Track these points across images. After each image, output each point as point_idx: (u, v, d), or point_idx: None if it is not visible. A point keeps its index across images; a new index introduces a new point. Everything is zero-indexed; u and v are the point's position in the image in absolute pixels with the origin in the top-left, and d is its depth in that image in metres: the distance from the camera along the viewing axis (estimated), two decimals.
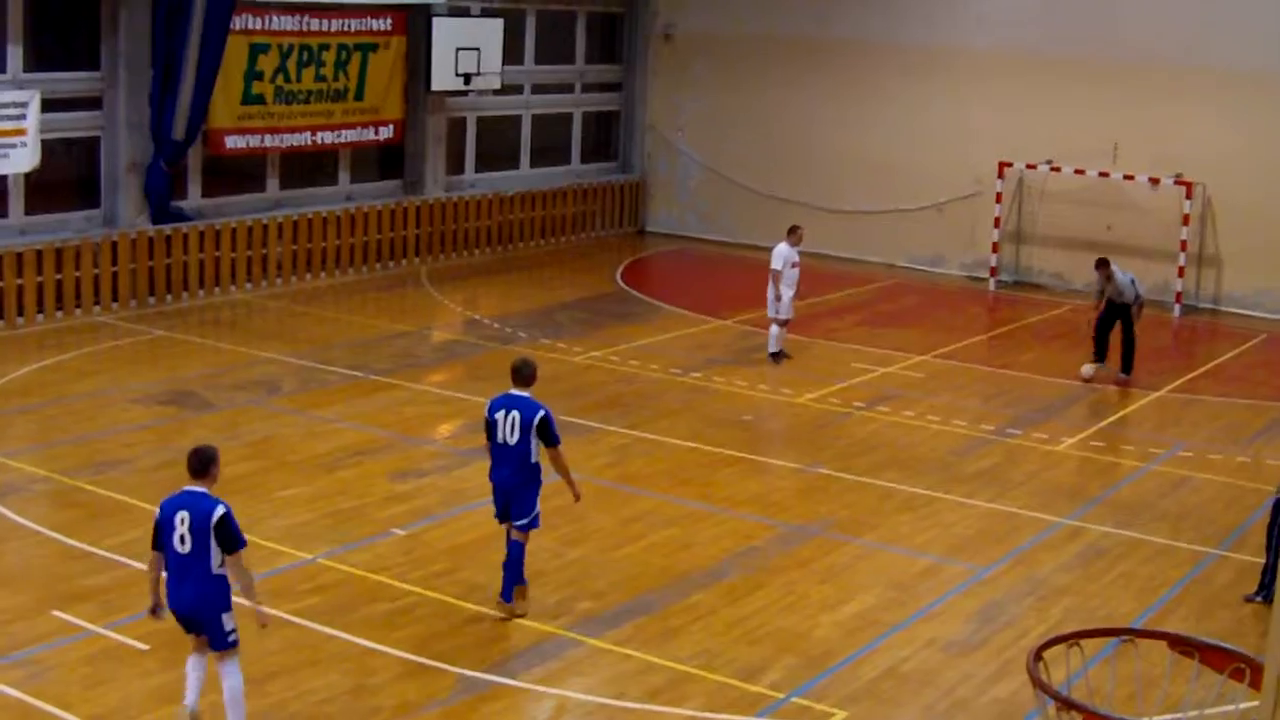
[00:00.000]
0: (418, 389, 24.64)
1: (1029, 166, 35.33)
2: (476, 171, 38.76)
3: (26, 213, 29.65)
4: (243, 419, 22.89)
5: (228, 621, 12.84)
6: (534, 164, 40.39)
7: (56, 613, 15.62)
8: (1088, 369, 26.98)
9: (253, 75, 32.70)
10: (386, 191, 36.40)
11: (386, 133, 35.82)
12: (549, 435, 15.84)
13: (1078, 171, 34.58)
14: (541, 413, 15.89)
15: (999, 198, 35.70)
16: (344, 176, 35.75)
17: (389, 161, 36.83)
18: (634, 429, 23.11)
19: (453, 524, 18.79)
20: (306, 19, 33.59)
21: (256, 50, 32.69)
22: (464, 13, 37.28)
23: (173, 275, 30.75)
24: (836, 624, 16.28)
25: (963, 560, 18.42)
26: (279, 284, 32.56)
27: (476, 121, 38.60)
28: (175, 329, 28.29)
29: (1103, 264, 27.05)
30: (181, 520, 12.67)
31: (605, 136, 42.68)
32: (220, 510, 12.74)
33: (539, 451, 15.95)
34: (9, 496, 19.08)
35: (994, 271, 36.01)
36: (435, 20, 35.75)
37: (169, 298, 30.57)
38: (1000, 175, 35.54)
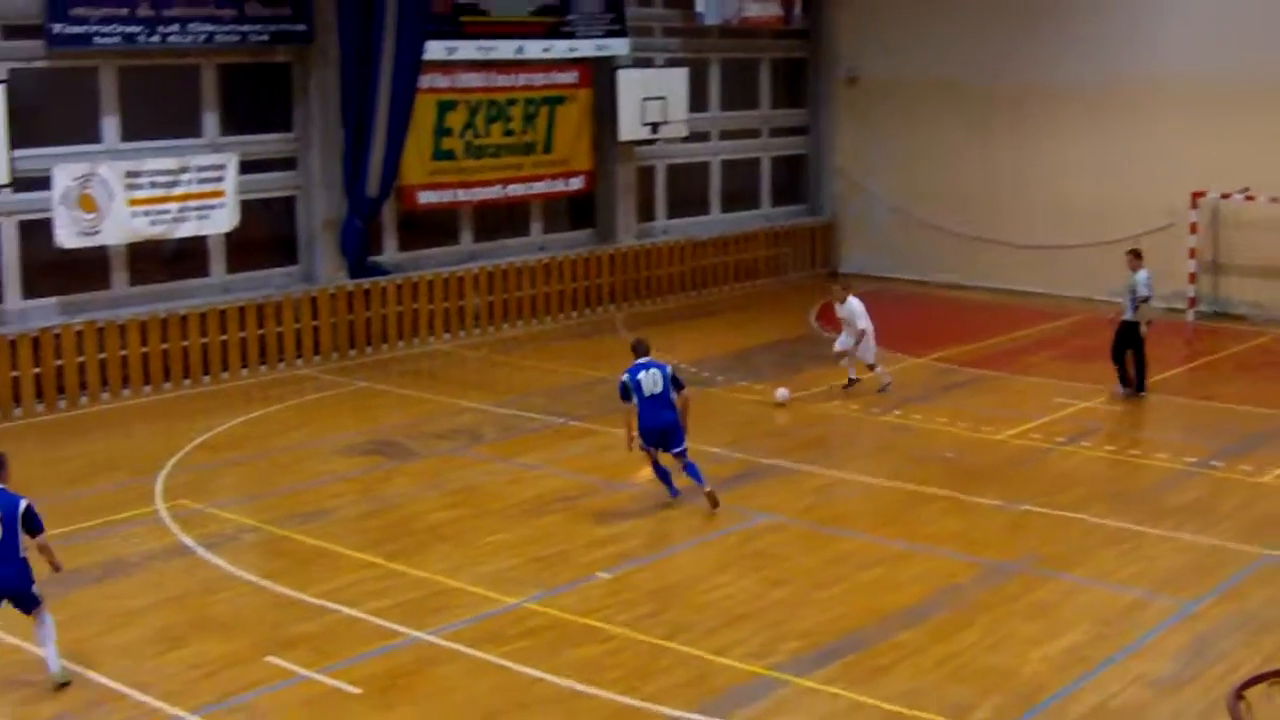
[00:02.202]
0: (618, 434, 24.67)
1: (1223, 196, 34.66)
2: (668, 218, 38.90)
3: (228, 271, 30.27)
4: (445, 467, 23.09)
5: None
6: (724, 209, 40.46)
7: (271, 659, 15.78)
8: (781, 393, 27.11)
9: (442, 131, 33.14)
10: (579, 241, 36.64)
11: (576, 183, 36.09)
12: (679, 383, 21.00)
13: (1275, 200, 33.83)
14: (670, 367, 21.13)
15: (1193, 228, 35.03)
16: (536, 227, 36.06)
17: (580, 211, 37.08)
18: (834, 469, 22.94)
19: (657, 566, 18.75)
20: (493, 75, 34.00)
21: (445, 107, 33.14)
22: (648, 64, 37.48)
23: (372, 328, 31.22)
24: (1044, 660, 15.97)
25: (1170, 595, 17.98)
26: (476, 334, 32.87)
27: (666, 169, 38.74)
28: (376, 380, 28.65)
29: None
30: None
31: (794, 180, 42.60)
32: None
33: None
34: (221, 546, 19.39)
35: (1193, 302, 35.32)
36: (620, 72, 35.98)
37: (369, 349, 31.02)
38: (1194, 206, 34.88)
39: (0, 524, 14.88)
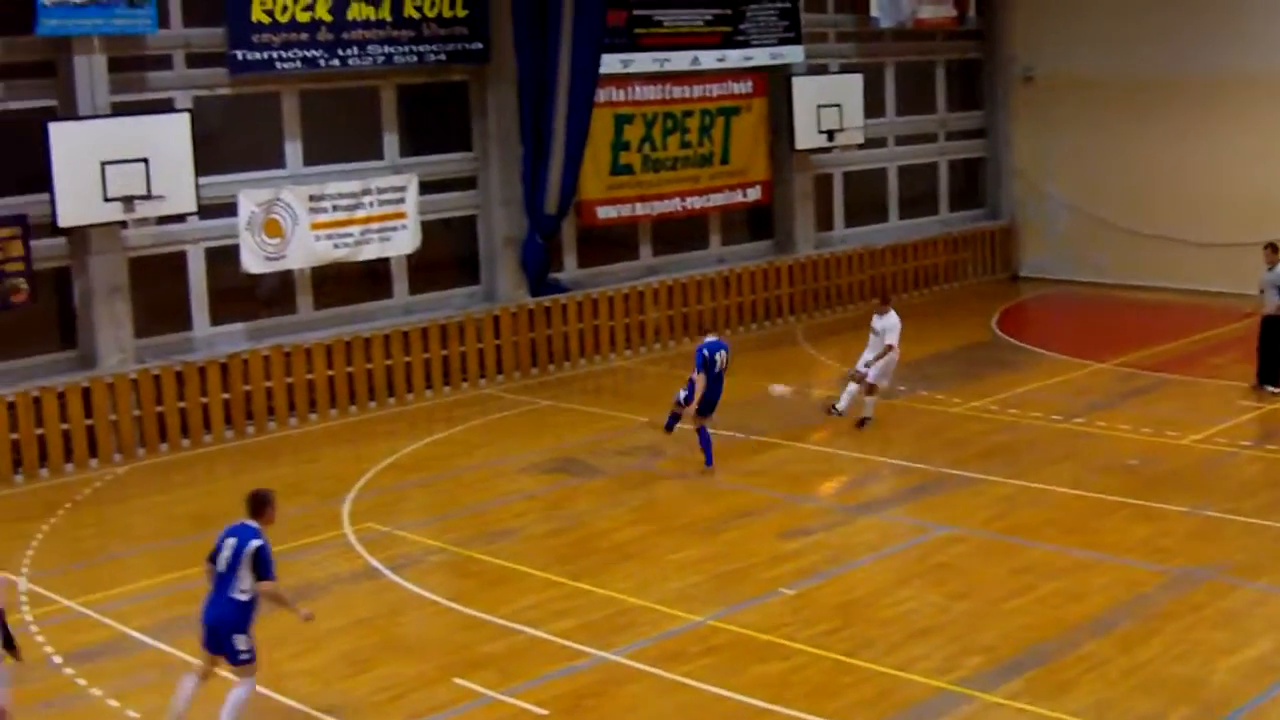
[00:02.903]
0: (800, 447, 24.71)
1: None
2: (846, 226, 38.84)
3: (411, 292, 30.73)
4: (628, 484, 23.29)
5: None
6: (903, 215, 40.33)
7: (458, 680, 16.00)
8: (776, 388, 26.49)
9: (620, 145, 33.37)
10: (758, 252, 36.71)
11: (754, 194, 36.17)
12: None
13: None
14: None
15: None
16: (715, 239, 36.20)
17: (758, 222, 37.16)
18: (1017, 478, 22.81)
19: (840, 581, 18.76)
20: (669, 87, 34.18)
21: (621, 121, 33.38)
22: (822, 70, 37.46)
23: (554, 345, 31.54)
24: (1233, 670, 15.77)
25: None
26: (657, 349, 33.06)
27: (843, 176, 38.69)
28: (558, 398, 28.93)
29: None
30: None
31: (972, 183, 42.35)
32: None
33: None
34: (407, 568, 19.71)
35: None
36: (795, 80, 36.01)
37: (551, 367, 31.34)
38: None
39: (230, 556, 14.30)
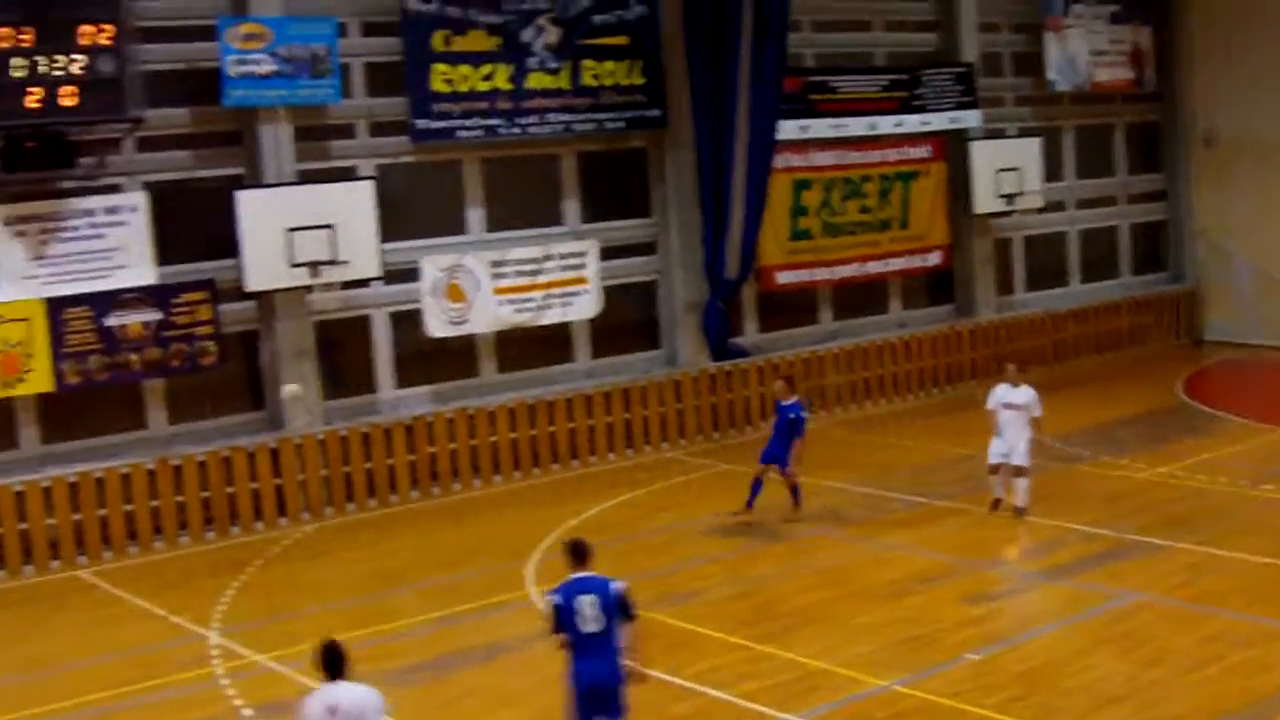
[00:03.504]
0: (983, 512, 24.35)
1: None
2: (1026, 290, 38.43)
3: (592, 356, 30.82)
4: (811, 548, 23.08)
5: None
6: (1084, 279, 39.80)
7: None
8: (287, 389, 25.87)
9: (798, 210, 33.32)
10: (938, 316, 36.41)
11: (934, 258, 35.92)
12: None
13: None
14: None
15: None
16: (895, 304, 35.96)
17: (939, 286, 36.86)
18: (1205, 545, 22.21)
19: (1025, 648, 18.35)
20: (846, 152, 34.11)
21: (800, 186, 33.34)
22: (1000, 134, 37.14)
23: (734, 410, 31.46)
24: None
25: None
26: (838, 413, 32.86)
27: (1023, 240, 38.32)
28: (738, 462, 28.69)
29: None
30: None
31: (1153, 246, 41.69)
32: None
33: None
34: None
35: None
36: (973, 144, 35.74)
37: (732, 431, 31.24)
38: None
39: (600, 612, 13.48)
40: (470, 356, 29.56)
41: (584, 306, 30.17)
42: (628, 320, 31.96)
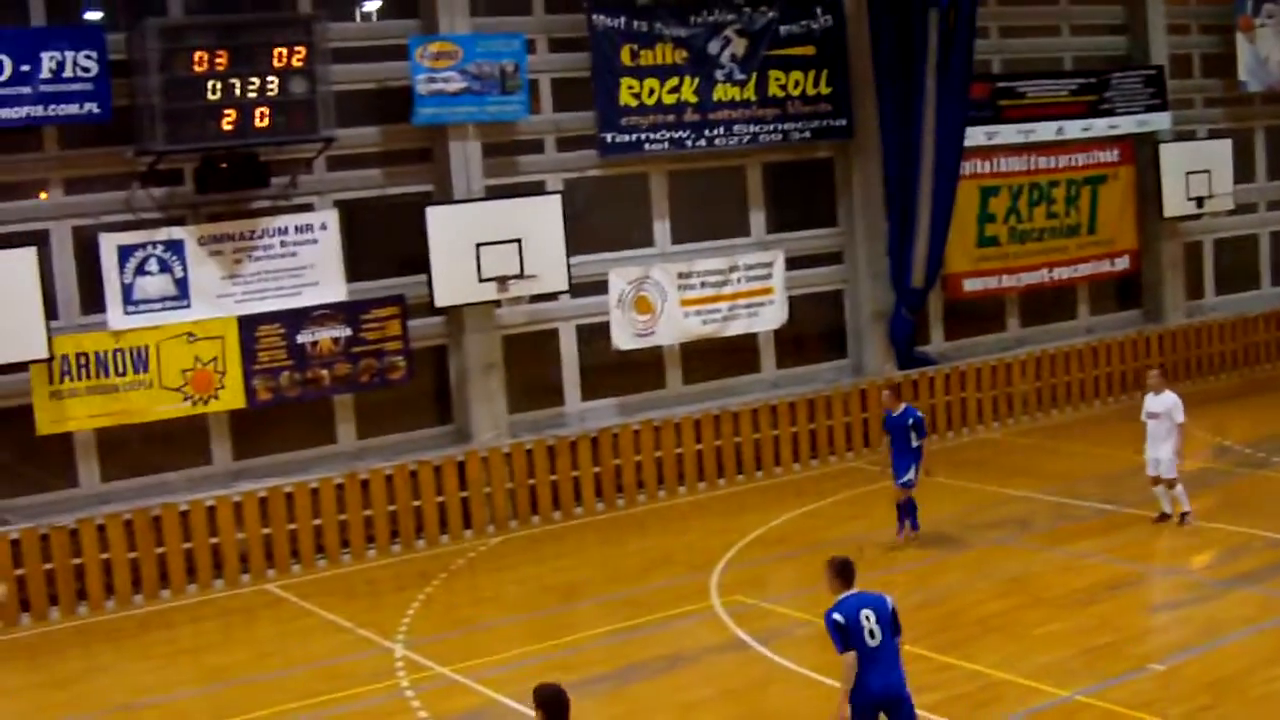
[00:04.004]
0: (1172, 520, 23.73)
1: None
2: (1216, 294, 37.50)
3: (778, 366, 30.55)
4: (995, 557, 22.58)
5: None
6: (1275, 282, 38.66)
7: None
8: None
9: (985, 217, 32.80)
10: (1127, 322, 35.62)
11: (1122, 263, 35.16)
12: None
13: None
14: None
15: None
16: (1083, 309, 35.24)
17: (1127, 291, 36.08)
18: None
19: (1212, 657, 17.73)
20: (1034, 158, 33.48)
21: (987, 193, 32.80)
22: (1190, 136, 36.27)
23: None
24: None
25: None
26: (1025, 420, 32.26)
27: (1213, 244, 37.40)
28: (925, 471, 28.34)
29: None
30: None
31: None
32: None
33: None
34: (774, 640, 19.31)
35: None
36: (1162, 147, 34.92)
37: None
38: None
39: (878, 626, 13.44)
40: (656, 368, 29.47)
41: (770, 317, 29.93)
42: (814, 330, 31.68)
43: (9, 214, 24.19)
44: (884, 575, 21.86)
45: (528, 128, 27.82)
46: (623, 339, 28.32)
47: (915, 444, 23.32)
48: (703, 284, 29.12)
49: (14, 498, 24.18)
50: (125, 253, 24.27)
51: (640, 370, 29.28)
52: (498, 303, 26.94)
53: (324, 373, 25.51)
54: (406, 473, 25.71)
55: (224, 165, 24.46)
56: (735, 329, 29.67)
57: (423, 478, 25.84)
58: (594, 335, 28.52)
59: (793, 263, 30.25)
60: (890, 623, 13.45)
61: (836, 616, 13.35)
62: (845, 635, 13.27)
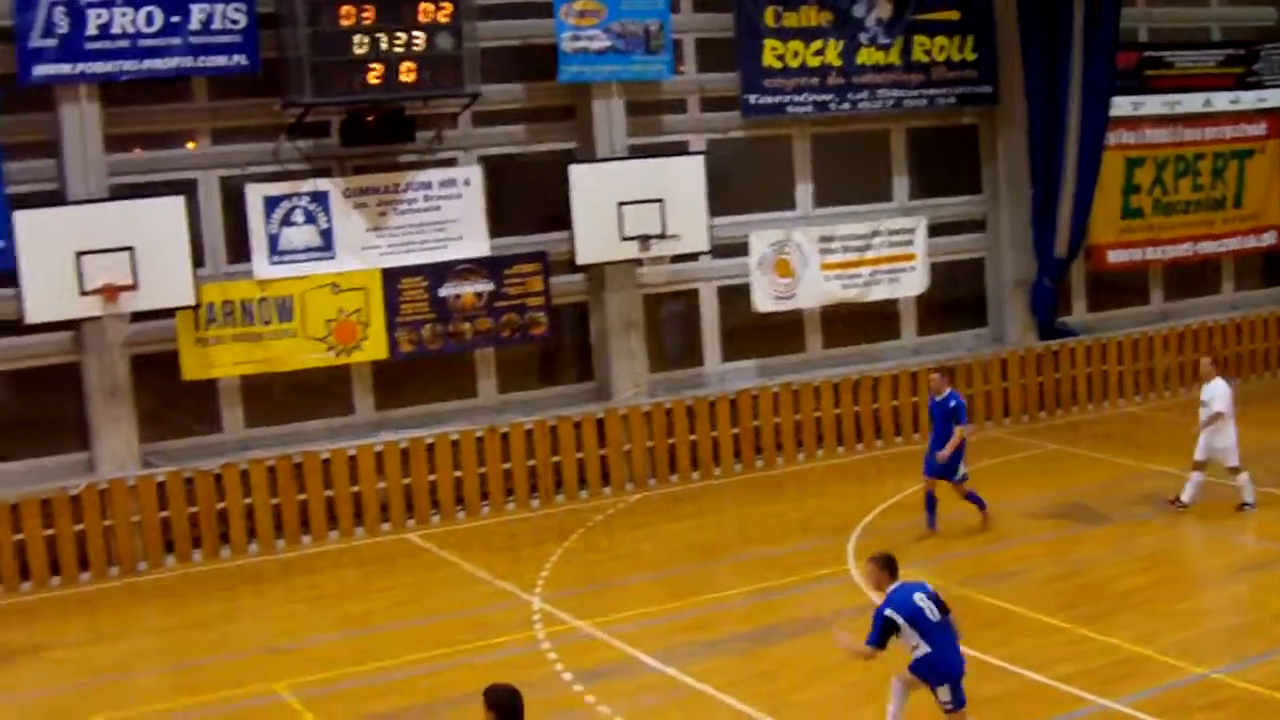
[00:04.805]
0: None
1: None
2: None
3: (919, 333, 30.06)
4: (1136, 532, 21.90)
5: None
6: None
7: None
8: None
9: (1130, 189, 32.03)
10: (1273, 298, 34.66)
11: (1269, 238, 34.22)
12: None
13: None
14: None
15: None
16: (1228, 285, 34.37)
17: (1273, 268, 35.14)
18: None
19: None
20: (1180, 129, 32.63)
21: (1132, 164, 32.01)
22: None
23: (1061, 390, 30.31)
24: None
25: None
26: (1168, 396, 31.51)
27: None
28: (1065, 443, 27.72)
29: None
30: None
31: None
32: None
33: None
34: None
35: None
36: None
37: (1058, 411, 30.13)
38: None
39: (933, 605, 13.56)
40: (795, 331, 29.05)
41: (911, 283, 29.40)
42: (955, 297, 31.13)
43: (159, 163, 24.34)
44: (1020, 545, 21.50)
45: (671, 87, 27.48)
46: (763, 301, 27.94)
47: (956, 430, 21.88)
48: (844, 248, 28.66)
49: (159, 442, 24.28)
50: (271, 203, 24.27)
51: (779, 333, 28.87)
52: (639, 262, 26.63)
53: (466, 326, 25.37)
54: (546, 428, 25.57)
55: (370, 119, 24.37)
56: (876, 295, 29.17)
57: (562, 433, 25.65)
58: (734, 296, 28.13)
59: (935, 229, 29.68)
60: (940, 601, 13.65)
61: (889, 613, 13.46)
62: (884, 634, 13.46)
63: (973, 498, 22.35)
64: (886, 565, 13.80)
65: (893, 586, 13.65)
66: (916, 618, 13.38)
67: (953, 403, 22.03)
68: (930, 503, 22.32)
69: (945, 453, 21.77)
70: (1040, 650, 17.06)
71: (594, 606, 19.62)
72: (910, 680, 13.85)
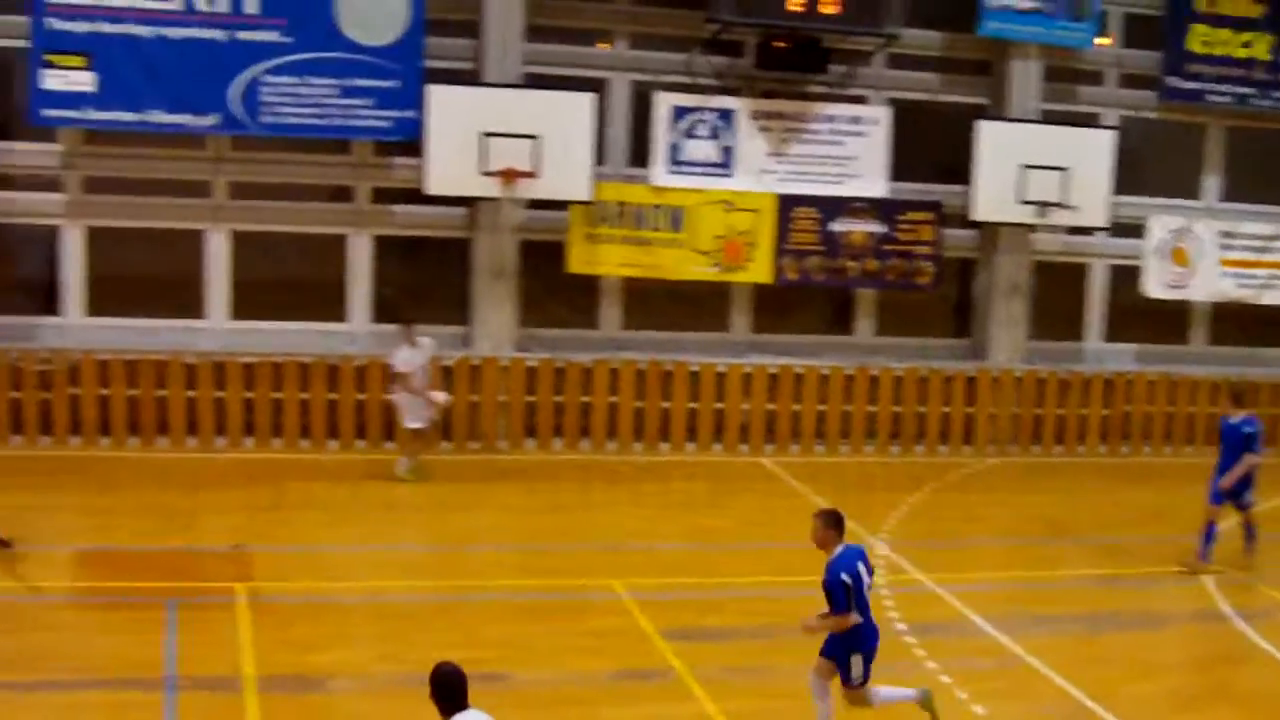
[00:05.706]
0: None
1: None
2: None
3: None
4: None
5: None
6: None
7: None
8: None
9: None
10: None
11: None
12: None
13: None
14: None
15: None
16: None
17: None
18: None
19: None
20: None
21: None
22: None
23: None
24: None
25: None
26: None
27: None
28: None
29: None
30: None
31: None
32: None
33: None
34: (1257, 619, 17.52)
35: None
36: None
37: None
38: None
39: (867, 573, 12.58)
40: (1180, 322, 27.87)
41: None
42: None
43: (573, 58, 24.40)
44: None
45: (1091, 57, 26.51)
46: (1155, 287, 26.76)
47: (1245, 458, 19.13)
48: (1245, 247, 27.31)
49: (536, 329, 24.40)
50: (678, 113, 24.08)
51: (1164, 321, 27.73)
52: (1034, 227, 25.79)
53: (852, 264, 24.89)
54: (917, 377, 25.12)
55: (785, 45, 24.04)
56: (1269, 298, 27.70)
57: (932, 385, 25.18)
58: (1124, 277, 27.09)
59: None
60: (871, 569, 12.64)
61: (845, 578, 12.24)
62: (850, 595, 12.27)
63: (1248, 527, 19.90)
64: (835, 523, 12.47)
65: (840, 548, 12.39)
66: (857, 584, 12.36)
67: (1247, 428, 19.48)
68: (1210, 533, 19.48)
69: (1226, 481, 19.24)
70: None
71: (936, 562, 18.93)
72: (826, 668, 12.66)
